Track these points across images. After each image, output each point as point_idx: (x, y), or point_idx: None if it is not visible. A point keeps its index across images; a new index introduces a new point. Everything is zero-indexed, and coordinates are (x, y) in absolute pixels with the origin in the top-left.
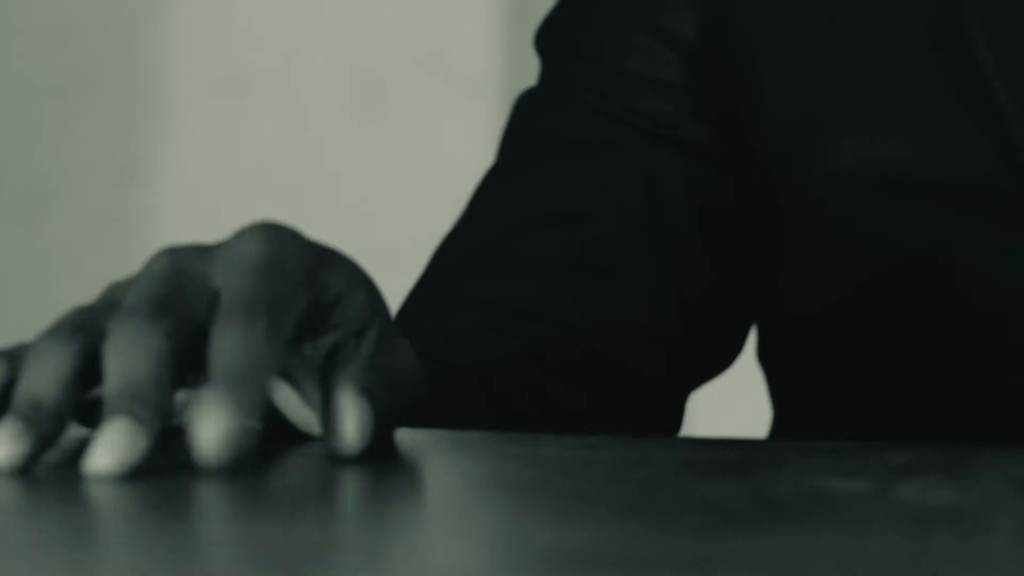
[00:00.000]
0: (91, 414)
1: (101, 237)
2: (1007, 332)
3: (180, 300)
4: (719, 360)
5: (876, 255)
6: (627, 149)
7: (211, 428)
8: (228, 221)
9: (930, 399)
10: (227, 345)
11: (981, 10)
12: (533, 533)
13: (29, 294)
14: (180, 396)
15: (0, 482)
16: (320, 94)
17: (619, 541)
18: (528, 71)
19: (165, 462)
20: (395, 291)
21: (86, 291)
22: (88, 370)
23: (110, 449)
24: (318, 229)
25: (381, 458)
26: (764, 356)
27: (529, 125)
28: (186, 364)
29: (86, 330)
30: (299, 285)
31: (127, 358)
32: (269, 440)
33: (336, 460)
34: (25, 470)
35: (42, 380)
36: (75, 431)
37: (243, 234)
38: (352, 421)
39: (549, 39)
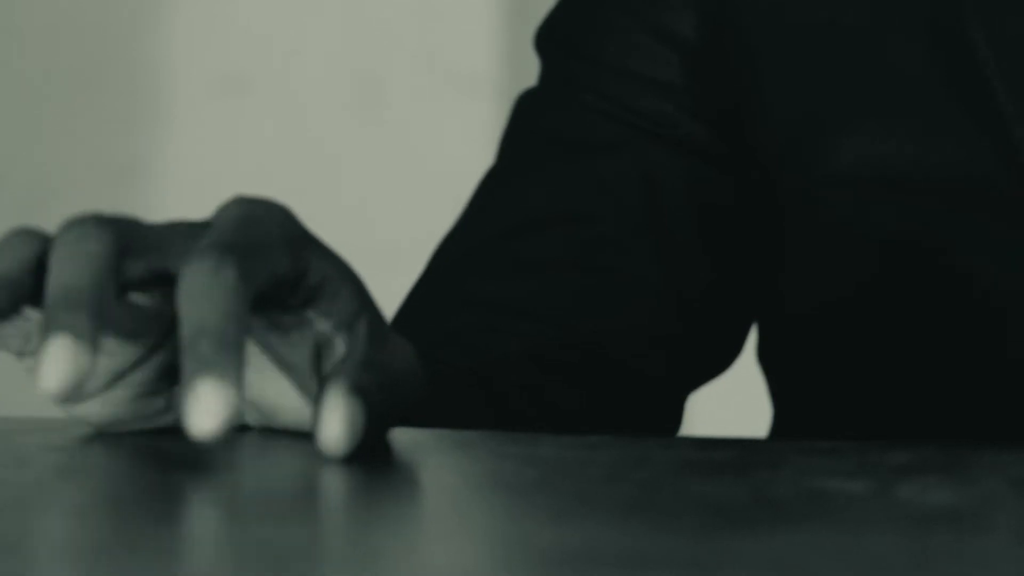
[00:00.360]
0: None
1: None
2: (1007, 332)
3: (151, 231)
4: (719, 360)
5: (876, 255)
6: (627, 149)
7: (212, 400)
8: None
9: (930, 399)
10: (194, 282)
11: (981, 10)
12: (533, 533)
13: None
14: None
15: None
16: (320, 94)
17: (619, 541)
18: (528, 71)
19: (157, 460)
20: (395, 291)
21: None
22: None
23: (53, 371)
24: (318, 229)
25: (379, 458)
26: (764, 356)
27: (529, 125)
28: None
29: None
30: (282, 244)
31: (68, 263)
32: (267, 440)
33: (329, 459)
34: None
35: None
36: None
37: (234, 198)
38: (339, 420)
39: (549, 39)
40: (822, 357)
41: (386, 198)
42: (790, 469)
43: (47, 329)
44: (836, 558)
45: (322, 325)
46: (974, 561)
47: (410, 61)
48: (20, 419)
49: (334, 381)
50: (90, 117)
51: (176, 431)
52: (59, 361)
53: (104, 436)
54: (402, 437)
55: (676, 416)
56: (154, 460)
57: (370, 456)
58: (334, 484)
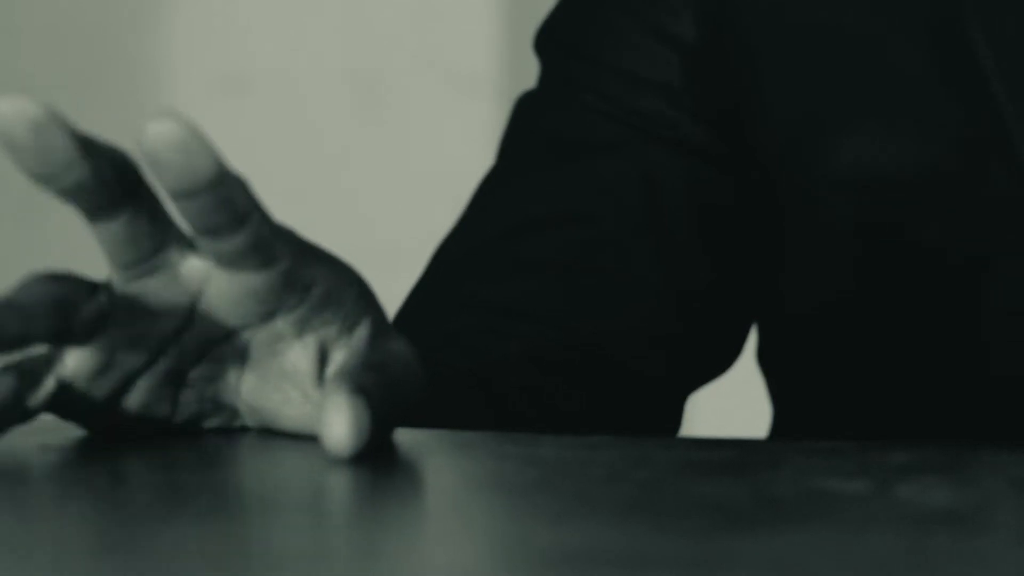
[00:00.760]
0: (66, 406)
1: None
2: (1007, 332)
3: None
4: (719, 361)
5: (876, 255)
6: (627, 149)
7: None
8: None
9: (930, 399)
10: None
11: (981, 10)
12: (533, 533)
13: None
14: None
15: None
16: (320, 94)
17: (619, 541)
18: (528, 71)
19: (157, 460)
20: (395, 291)
21: None
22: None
23: None
24: (318, 229)
25: (380, 458)
26: (764, 356)
27: (529, 126)
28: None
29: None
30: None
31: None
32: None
33: (333, 460)
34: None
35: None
36: (66, 432)
37: None
38: (344, 421)
39: (549, 40)
40: (822, 357)
41: (386, 198)
42: (790, 469)
43: None
44: (836, 558)
45: (326, 332)
46: (974, 561)
47: (410, 61)
48: None
49: (338, 383)
50: (90, 117)
51: (176, 432)
52: None
53: (104, 436)
54: (403, 438)
55: (676, 417)
56: (154, 460)
57: (372, 456)
58: (335, 484)
